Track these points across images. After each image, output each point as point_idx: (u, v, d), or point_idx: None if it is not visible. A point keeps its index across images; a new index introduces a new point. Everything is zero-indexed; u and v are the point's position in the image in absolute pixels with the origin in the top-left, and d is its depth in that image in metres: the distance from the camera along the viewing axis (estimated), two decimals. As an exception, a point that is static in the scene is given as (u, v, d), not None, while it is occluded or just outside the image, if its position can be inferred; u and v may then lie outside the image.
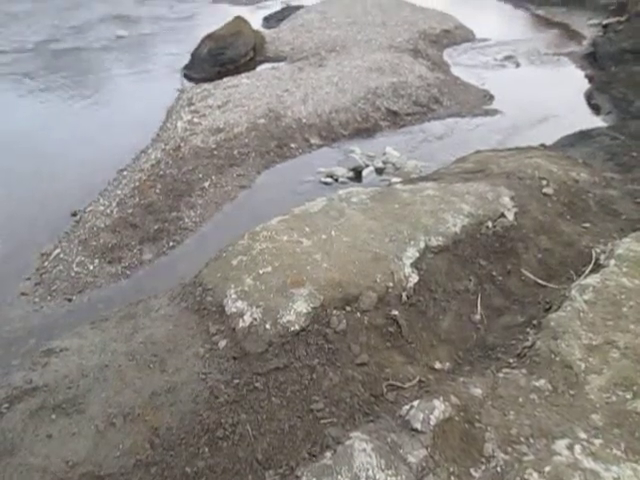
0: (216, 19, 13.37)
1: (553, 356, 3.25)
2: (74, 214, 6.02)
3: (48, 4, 18.92)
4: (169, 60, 11.93)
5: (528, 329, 3.68)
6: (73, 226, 5.83)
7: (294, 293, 3.60)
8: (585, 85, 9.97)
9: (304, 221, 4.33)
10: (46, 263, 5.32)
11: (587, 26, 13.60)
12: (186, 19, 16.51)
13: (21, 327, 4.59)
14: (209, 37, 11.20)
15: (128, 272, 5.24)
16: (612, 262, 4.00)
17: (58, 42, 13.90)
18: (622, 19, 12.56)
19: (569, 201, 5.10)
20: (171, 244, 5.57)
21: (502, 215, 4.53)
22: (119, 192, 6.34)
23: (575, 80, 10.34)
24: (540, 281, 4.23)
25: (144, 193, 6.25)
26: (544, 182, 5.19)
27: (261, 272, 3.79)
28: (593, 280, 3.82)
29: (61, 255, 5.41)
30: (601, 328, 3.39)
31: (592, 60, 11.22)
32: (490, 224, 4.43)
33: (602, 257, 4.22)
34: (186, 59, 11.33)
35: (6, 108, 9.66)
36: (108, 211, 6.02)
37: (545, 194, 5.05)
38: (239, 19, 12.01)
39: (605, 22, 12.93)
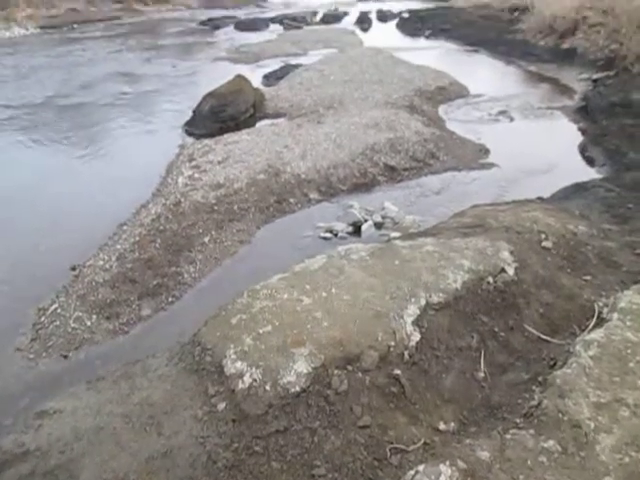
0: (217, 77, 13.79)
1: (561, 415, 3.17)
2: (73, 268, 5.99)
3: (62, 60, 19.67)
4: (171, 116, 12.22)
5: (533, 387, 3.61)
6: (72, 281, 5.78)
7: (294, 353, 3.54)
8: (578, 138, 10.18)
9: (304, 279, 4.31)
10: (43, 318, 5.24)
11: (577, 81, 14.02)
12: (188, 76, 17.03)
13: (14, 385, 4.48)
14: (210, 94, 11.50)
15: (126, 328, 5.16)
16: (615, 316, 3.97)
17: (66, 97, 14.30)
18: (611, 74, 13.00)
19: (568, 254, 5.10)
20: (170, 300, 5.52)
21: (502, 270, 4.52)
22: (119, 247, 6.33)
23: (568, 133, 10.57)
24: (543, 336, 4.18)
25: (144, 248, 6.24)
26: (543, 236, 5.21)
27: (261, 331, 3.74)
28: (597, 335, 3.78)
29: (58, 310, 5.35)
30: (608, 385, 3.33)
31: (584, 113, 11.52)
32: (491, 279, 4.41)
33: (605, 310, 4.19)
34: (188, 115, 11.59)
35: (10, 161, 9.81)
36: (107, 266, 5.99)
37: (544, 248, 5.06)
38: (240, 77, 12.38)
39: (595, 77, 13.38)
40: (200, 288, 5.70)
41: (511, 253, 4.75)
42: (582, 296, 4.56)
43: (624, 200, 6.68)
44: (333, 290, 4.14)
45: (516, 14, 22.12)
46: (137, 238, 6.45)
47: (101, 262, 6.05)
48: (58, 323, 5.16)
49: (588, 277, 4.84)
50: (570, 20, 16.94)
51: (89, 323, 5.17)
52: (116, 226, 6.83)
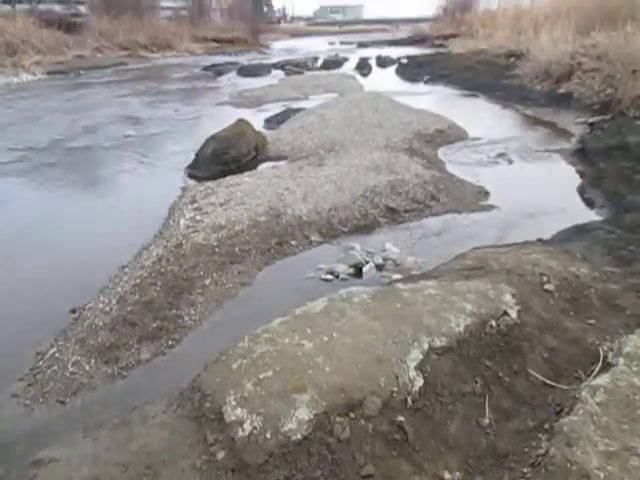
0: (220, 121, 14.06)
1: (569, 465, 3.08)
2: (73, 311, 5.95)
3: (68, 104, 20.17)
4: (174, 159, 12.38)
5: (540, 434, 3.53)
6: (71, 324, 5.73)
7: (296, 399, 3.47)
8: (577, 180, 10.27)
9: (305, 322, 4.27)
10: (41, 362, 5.16)
11: (574, 124, 14.27)
12: (191, 120, 17.37)
13: (9, 432, 4.36)
14: (213, 138, 11.69)
15: (125, 373, 5.08)
16: (621, 361, 3.91)
17: (71, 140, 14.56)
18: (607, 117, 13.26)
19: (571, 297, 5.08)
20: (170, 343, 5.45)
21: (505, 313, 4.49)
22: (119, 289, 6.30)
23: (567, 175, 10.68)
24: (548, 381, 4.11)
25: (144, 290, 6.22)
26: (545, 278, 5.19)
27: (262, 377, 3.68)
28: (603, 380, 3.72)
29: (57, 354, 5.27)
30: (617, 433, 3.25)
31: (581, 156, 11.67)
32: (493, 323, 4.37)
33: (610, 355, 4.14)
34: (190, 158, 11.75)
35: (13, 203, 9.88)
36: (107, 309, 5.94)
37: (547, 290, 5.03)
38: (242, 121, 12.61)
39: (591, 120, 13.64)
40: (200, 331, 5.64)
41: (513, 296, 4.73)
42: (586, 340, 4.51)
43: (625, 242, 6.68)
44: (334, 334, 4.10)
45: (512, 60, 22.75)
46: (138, 280, 6.42)
47: (101, 305, 6.02)
48: (56, 368, 5.08)
49: (592, 320, 4.79)
50: (565, 65, 17.40)
51: (87, 367, 5.10)
52: (117, 268, 6.82)
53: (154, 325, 5.68)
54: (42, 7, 44.44)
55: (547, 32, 21.32)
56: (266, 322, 4.42)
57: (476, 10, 49.48)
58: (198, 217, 8.17)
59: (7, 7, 43.37)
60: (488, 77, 22.50)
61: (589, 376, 3.95)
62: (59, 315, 5.86)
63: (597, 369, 3.99)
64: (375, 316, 4.35)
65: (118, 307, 5.94)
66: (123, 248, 7.35)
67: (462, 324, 4.27)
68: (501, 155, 11.95)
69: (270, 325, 4.30)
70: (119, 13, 46.92)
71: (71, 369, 5.08)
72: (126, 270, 6.78)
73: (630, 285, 5.48)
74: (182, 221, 8.08)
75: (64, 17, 42.91)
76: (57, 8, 47.80)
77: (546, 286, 5.07)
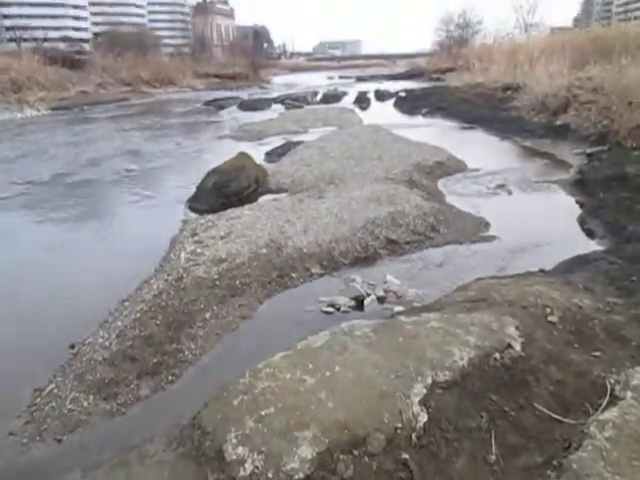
0: (221, 154, 14.24)
1: (579, 504, 3.00)
2: (72, 346, 5.89)
3: (71, 139, 20.50)
4: (175, 192, 12.48)
5: (548, 471, 3.44)
6: (70, 359, 5.68)
7: (298, 436, 3.40)
8: (576, 210, 10.31)
9: (307, 357, 4.21)
10: (39, 399, 5.09)
11: (572, 155, 14.41)
12: (192, 154, 17.58)
13: (5, 472, 4.28)
14: (214, 171, 11.81)
15: (124, 409, 5.00)
16: (629, 394, 3.85)
17: (74, 174, 14.76)
18: (604, 148, 13.42)
19: (575, 329, 5.02)
20: (170, 378, 5.38)
21: (509, 346, 4.43)
22: (119, 323, 6.26)
23: (566, 206, 10.72)
24: (555, 416, 4.03)
25: (145, 324, 6.18)
26: (548, 310, 5.15)
27: (263, 413, 3.61)
28: (611, 415, 3.65)
29: (55, 391, 5.20)
30: (628, 470, 3.17)
31: (580, 187, 11.74)
32: (498, 356, 4.31)
33: (617, 388, 4.07)
34: (191, 191, 11.84)
35: (16, 237, 9.92)
36: (107, 343, 5.89)
37: (550, 322, 4.98)
38: (242, 154, 12.76)
39: (589, 151, 13.78)
40: (201, 366, 5.58)
41: (517, 328, 4.68)
42: (592, 372, 4.44)
43: (627, 272, 6.65)
44: (337, 369, 4.04)
45: (509, 93, 23.12)
46: (138, 314, 6.39)
47: (101, 340, 5.96)
48: (54, 404, 5.01)
49: (597, 352, 4.73)
50: (561, 98, 17.69)
51: (86, 404, 5.02)
52: (118, 302, 6.79)
53: (154, 360, 5.61)
54: (47, 45, 45.64)
55: (543, 66, 21.77)
56: (267, 356, 4.36)
57: (472, 44, 50.67)
58: (199, 250, 8.17)
59: (13, 45, 44.49)
60: (485, 109, 22.84)
61: (597, 410, 3.87)
62: (58, 350, 5.81)
63: (605, 403, 3.92)
64: (378, 350, 4.30)
65: (118, 342, 5.89)
66: (124, 282, 7.33)
67: (466, 357, 4.21)
68: (500, 186, 12.03)
69: (271, 360, 4.24)
70: (123, 50, 48.14)
71: (69, 406, 5.00)
72: (126, 304, 6.75)
73: (634, 316, 5.43)
74: (183, 254, 8.08)
75: (68, 54, 44.06)
76: (61, 46, 49.10)
77: (549, 318, 5.02)
